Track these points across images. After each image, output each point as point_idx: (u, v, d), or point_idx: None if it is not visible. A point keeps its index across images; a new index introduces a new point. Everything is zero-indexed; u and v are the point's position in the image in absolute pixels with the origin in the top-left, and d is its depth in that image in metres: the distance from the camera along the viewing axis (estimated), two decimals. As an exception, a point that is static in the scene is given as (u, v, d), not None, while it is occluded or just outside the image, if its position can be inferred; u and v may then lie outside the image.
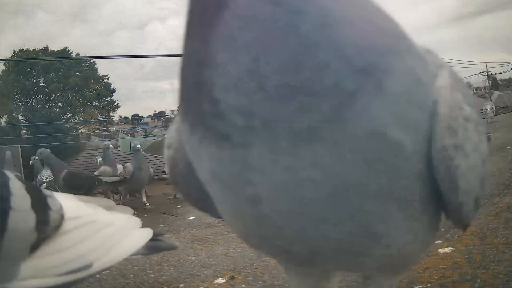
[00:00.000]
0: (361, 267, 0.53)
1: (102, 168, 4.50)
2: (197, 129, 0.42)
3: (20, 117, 25.06)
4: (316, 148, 0.38)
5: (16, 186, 0.87)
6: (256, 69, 0.37)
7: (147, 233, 1.12)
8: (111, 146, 5.24)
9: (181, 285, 1.54)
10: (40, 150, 4.31)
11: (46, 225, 0.89)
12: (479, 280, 1.17)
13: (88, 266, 0.93)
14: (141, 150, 4.54)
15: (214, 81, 0.39)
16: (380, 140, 0.39)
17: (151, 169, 4.48)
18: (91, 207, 1.08)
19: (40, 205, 0.90)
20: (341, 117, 0.37)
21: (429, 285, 1.21)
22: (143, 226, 1.16)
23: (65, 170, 3.95)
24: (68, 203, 0.99)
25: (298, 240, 0.45)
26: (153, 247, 1.15)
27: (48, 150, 4.24)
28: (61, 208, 0.95)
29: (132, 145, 4.52)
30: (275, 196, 0.41)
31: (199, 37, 0.40)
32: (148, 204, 4.09)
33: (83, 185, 3.68)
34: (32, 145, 18.66)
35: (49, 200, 0.94)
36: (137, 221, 1.15)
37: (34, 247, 0.86)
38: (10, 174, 0.90)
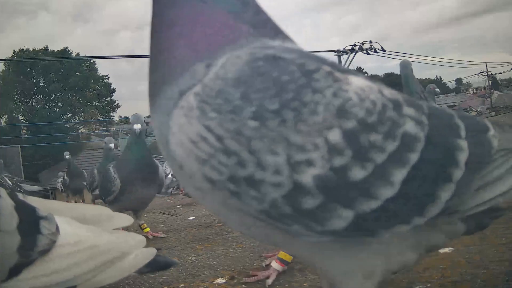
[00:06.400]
0: None
1: None
2: None
3: (20, 117, 25.07)
4: None
5: (4, 205, 0.83)
6: None
7: (146, 255, 1.05)
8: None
9: (181, 285, 1.54)
10: None
11: (31, 249, 0.85)
12: (479, 280, 1.17)
13: None
14: None
15: None
16: (157, 132, 0.66)
17: None
18: (93, 230, 1.02)
19: (29, 228, 0.86)
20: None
21: (429, 285, 1.21)
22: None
23: None
24: (67, 228, 0.95)
25: None
26: (152, 265, 1.08)
27: None
28: (55, 233, 0.90)
29: None
30: None
31: None
32: None
33: None
34: (32, 145, 18.72)
35: (43, 223, 0.89)
36: (139, 240, 1.08)
37: (15, 270, 0.83)
38: (2, 192, 0.86)
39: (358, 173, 0.55)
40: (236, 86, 0.56)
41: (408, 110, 0.60)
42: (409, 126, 0.59)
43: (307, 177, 0.54)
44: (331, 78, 0.58)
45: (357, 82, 0.60)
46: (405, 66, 3.41)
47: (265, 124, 0.54)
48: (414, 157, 0.58)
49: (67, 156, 6.28)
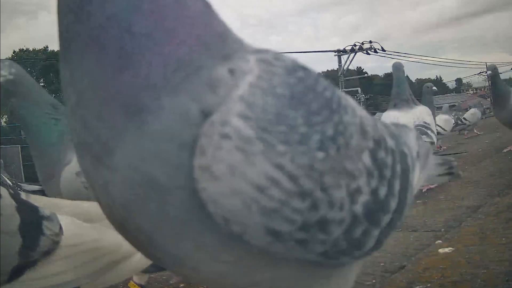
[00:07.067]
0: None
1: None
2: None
3: (20, 117, 25.07)
4: (102, 171, 0.46)
5: (5, 206, 0.82)
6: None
7: None
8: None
9: (181, 285, 1.54)
10: None
11: (33, 250, 0.83)
12: (479, 280, 1.17)
13: None
14: None
15: None
16: (137, 174, 0.43)
17: None
18: (98, 230, 1.00)
19: (30, 228, 0.84)
20: (111, 152, 0.44)
21: (429, 285, 1.21)
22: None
23: None
24: (71, 228, 0.93)
25: None
26: (157, 264, 1.09)
27: None
28: (58, 233, 0.89)
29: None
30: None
31: None
32: None
33: None
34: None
35: (45, 224, 0.88)
36: None
37: (17, 271, 0.81)
38: (3, 192, 0.85)
39: (382, 192, 0.54)
40: (295, 106, 0.45)
41: (378, 123, 0.62)
42: (389, 140, 0.60)
43: (359, 206, 0.50)
44: (339, 93, 0.55)
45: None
46: (398, 68, 3.52)
47: (329, 154, 0.46)
48: (399, 167, 0.61)
49: None
